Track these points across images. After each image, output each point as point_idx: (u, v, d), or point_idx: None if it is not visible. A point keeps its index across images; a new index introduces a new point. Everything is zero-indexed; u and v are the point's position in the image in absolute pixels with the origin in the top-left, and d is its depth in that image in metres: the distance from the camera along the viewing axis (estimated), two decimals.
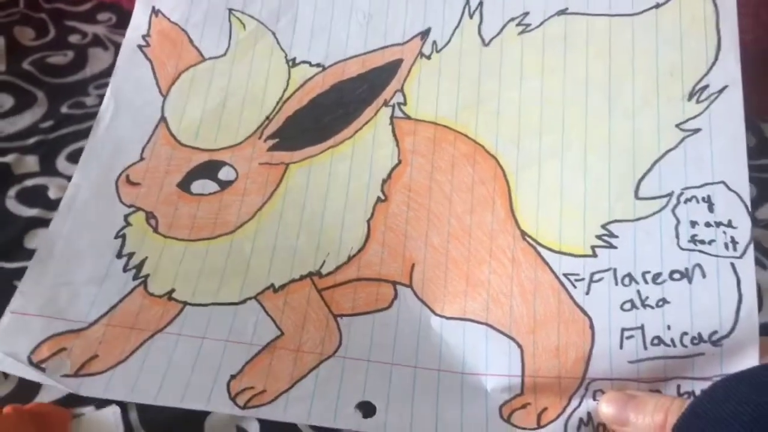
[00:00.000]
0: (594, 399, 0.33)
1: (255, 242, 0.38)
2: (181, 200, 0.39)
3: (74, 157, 0.42)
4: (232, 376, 0.34)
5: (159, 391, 0.33)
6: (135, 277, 0.37)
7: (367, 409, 0.33)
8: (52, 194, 0.41)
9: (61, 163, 0.43)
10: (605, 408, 0.32)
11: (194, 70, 0.43)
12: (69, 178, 0.42)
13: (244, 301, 0.36)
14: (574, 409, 0.33)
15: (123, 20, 0.52)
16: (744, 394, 0.27)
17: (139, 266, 0.37)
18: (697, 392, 0.32)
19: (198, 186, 0.40)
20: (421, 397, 0.34)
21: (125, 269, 0.37)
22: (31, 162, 0.43)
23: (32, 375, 0.33)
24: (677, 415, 0.29)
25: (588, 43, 0.38)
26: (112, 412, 0.35)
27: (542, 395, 0.33)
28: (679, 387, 0.32)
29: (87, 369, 0.34)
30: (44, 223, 0.40)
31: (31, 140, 0.44)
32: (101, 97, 0.44)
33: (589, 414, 0.33)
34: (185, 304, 0.36)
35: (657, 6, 0.38)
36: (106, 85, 0.44)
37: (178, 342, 0.35)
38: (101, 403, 0.35)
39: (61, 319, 0.35)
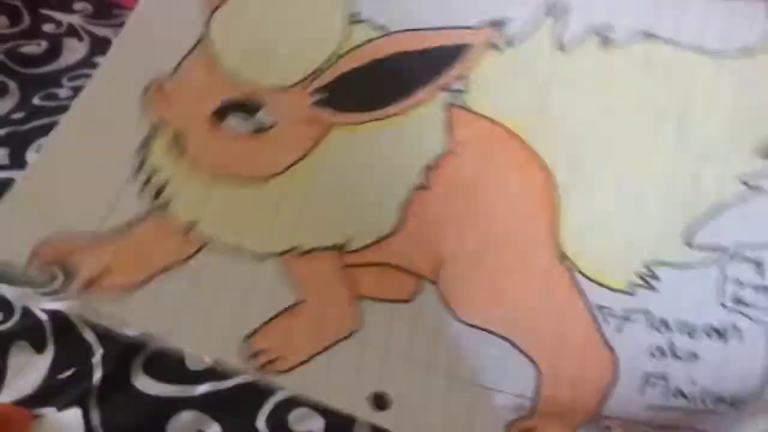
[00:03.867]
0: None
1: (284, 199, 0.36)
2: (212, 131, 0.37)
3: None
4: (249, 335, 0.32)
5: (177, 328, 0.31)
6: (155, 198, 0.34)
7: (381, 401, 0.32)
8: None
9: (31, 156, 0.40)
10: None
11: None
12: None
13: (266, 257, 0.34)
14: None
15: (99, 11, 0.50)
16: None
17: (161, 188, 0.34)
18: None
19: (233, 121, 0.37)
20: (433, 400, 0.33)
21: (144, 186, 0.34)
22: (1, 154, 0.41)
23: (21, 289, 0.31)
24: None
25: (670, 77, 0.37)
26: (74, 414, 0.33)
27: (550, 422, 0.33)
28: None
29: (99, 283, 0.31)
30: None
31: (2, 132, 0.41)
32: (74, 89, 0.41)
33: None
34: (206, 242, 0.34)
35: (746, 50, 0.37)
36: (80, 77, 0.41)
37: (195, 283, 0.33)
38: (63, 405, 0.33)
39: (71, 226, 0.32)
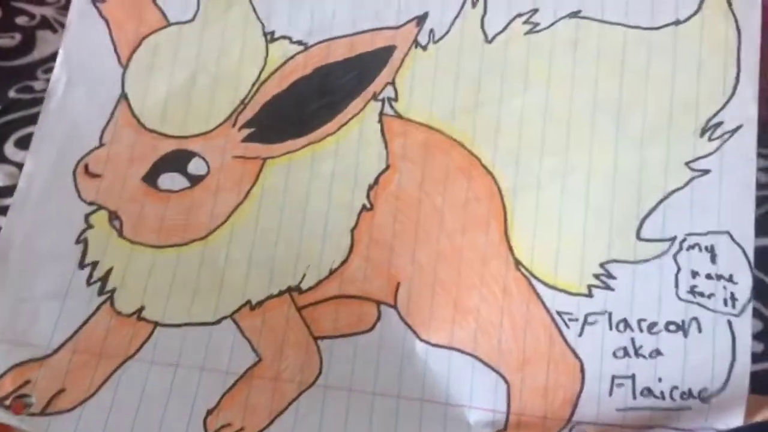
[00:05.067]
0: None
1: (229, 251, 0.35)
2: (147, 197, 0.36)
3: (23, 143, 0.40)
4: (209, 412, 0.32)
5: (136, 424, 0.31)
6: (100, 292, 0.34)
7: None
8: (0, 181, 0.38)
9: (9, 149, 0.39)
10: None
11: (157, 36, 0.38)
12: (17, 165, 0.38)
13: (219, 321, 0.34)
14: None
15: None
16: None
17: (104, 279, 0.34)
18: None
19: (166, 180, 0.36)
20: (406, 427, 0.33)
21: (89, 282, 0.34)
22: None
23: None
24: None
25: (600, 56, 0.35)
26: None
27: None
28: None
29: (54, 406, 0.32)
30: None
31: None
32: (49, 81, 0.40)
33: None
34: (156, 324, 0.34)
35: (677, 23, 0.35)
36: (53, 69, 0.40)
37: (150, 371, 0.33)
38: None
39: (23, 344, 0.32)
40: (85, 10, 0.39)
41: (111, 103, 0.37)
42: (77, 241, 0.35)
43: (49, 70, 0.40)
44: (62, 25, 0.43)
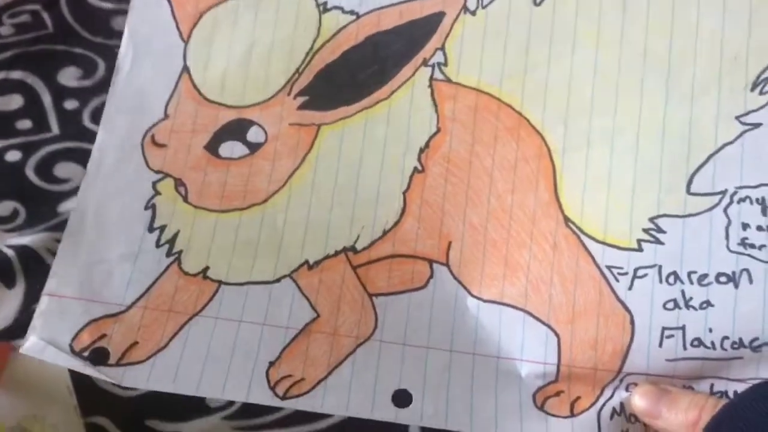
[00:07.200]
0: (627, 390, 0.34)
1: (287, 214, 0.37)
2: (209, 165, 0.38)
3: None
4: (271, 363, 0.34)
5: (200, 381, 0.33)
6: (168, 254, 0.36)
7: (402, 398, 0.34)
8: None
9: None
10: (638, 400, 0.33)
11: (216, 10, 0.40)
12: None
13: (278, 280, 0.36)
14: (607, 400, 0.34)
15: None
16: None
17: (172, 241, 0.36)
18: (730, 392, 0.33)
19: (226, 149, 0.38)
20: (456, 382, 0.34)
21: (158, 244, 0.36)
22: None
23: (76, 365, 0.33)
24: (711, 413, 0.30)
25: (649, 14, 0.35)
26: None
27: (576, 384, 0.34)
28: (712, 386, 0.33)
29: (128, 357, 0.34)
30: None
31: None
32: (15, 26, 0.41)
33: (621, 404, 0.34)
34: (220, 283, 0.36)
35: None
36: (20, 13, 0.41)
37: (216, 326, 0.35)
38: None
39: (99, 301, 0.35)
40: None
41: (174, 76, 0.39)
42: (146, 207, 0.37)
43: (15, 15, 0.40)
44: None
